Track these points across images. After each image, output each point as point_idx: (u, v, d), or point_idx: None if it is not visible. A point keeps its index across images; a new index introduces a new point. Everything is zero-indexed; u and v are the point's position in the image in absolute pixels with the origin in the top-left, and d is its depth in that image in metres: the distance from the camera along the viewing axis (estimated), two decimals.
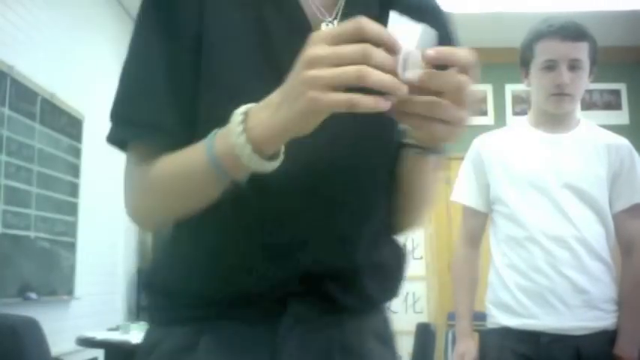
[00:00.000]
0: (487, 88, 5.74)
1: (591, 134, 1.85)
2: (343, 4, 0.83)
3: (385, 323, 0.92)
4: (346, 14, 0.81)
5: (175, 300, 0.84)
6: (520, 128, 1.93)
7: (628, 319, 1.73)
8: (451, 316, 4.97)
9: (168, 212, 0.80)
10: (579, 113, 1.92)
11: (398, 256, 0.92)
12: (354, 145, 0.81)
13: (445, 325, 4.73)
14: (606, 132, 1.88)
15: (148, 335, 0.88)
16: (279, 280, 0.80)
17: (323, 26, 0.80)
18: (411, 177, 0.86)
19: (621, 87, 5.80)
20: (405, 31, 0.63)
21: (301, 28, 0.77)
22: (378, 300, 0.90)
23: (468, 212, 1.95)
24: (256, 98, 0.68)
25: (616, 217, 1.79)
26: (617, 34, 5.39)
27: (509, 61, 6.39)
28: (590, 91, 5.81)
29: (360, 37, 0.60)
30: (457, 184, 1.97)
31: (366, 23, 0.61)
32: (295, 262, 0.80)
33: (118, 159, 0.90)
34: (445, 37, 0.80)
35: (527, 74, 1.88)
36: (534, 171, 1.81)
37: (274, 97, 0.65)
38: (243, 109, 0.67)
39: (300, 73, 0.61)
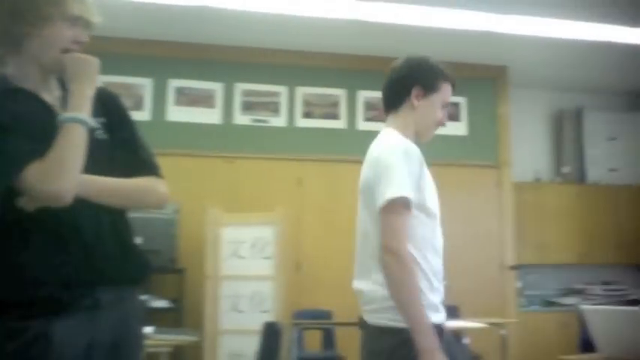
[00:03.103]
0: (340, 93, 5.88)
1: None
2: (61, 101, 1.53)
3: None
4: (64, 107, 1.49)
5: (19, 302, 1.37)
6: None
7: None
8: (296, 315, 5.04)
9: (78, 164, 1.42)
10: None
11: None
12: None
13: (291, 324, 4.79)
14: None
15: (5, 327, 1.36)
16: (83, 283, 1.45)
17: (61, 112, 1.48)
18: None
19: (461, 100, 6.20)
20: None
21: (51, 112, 1.51)
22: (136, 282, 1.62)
23: None
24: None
25: None
26: (462, 52, 5.75)
27: (367, 68, 6.54)
28: None
29: None
30: None
31: None
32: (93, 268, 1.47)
33: None
34: (118, 112, 1.63)
35: (420, 98, 1.98)
36: None
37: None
38: (65, 115, 1.46)
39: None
